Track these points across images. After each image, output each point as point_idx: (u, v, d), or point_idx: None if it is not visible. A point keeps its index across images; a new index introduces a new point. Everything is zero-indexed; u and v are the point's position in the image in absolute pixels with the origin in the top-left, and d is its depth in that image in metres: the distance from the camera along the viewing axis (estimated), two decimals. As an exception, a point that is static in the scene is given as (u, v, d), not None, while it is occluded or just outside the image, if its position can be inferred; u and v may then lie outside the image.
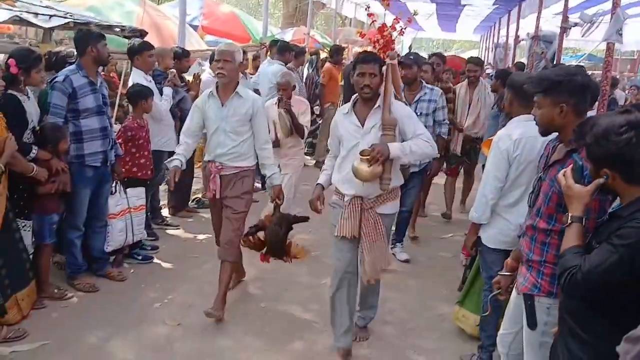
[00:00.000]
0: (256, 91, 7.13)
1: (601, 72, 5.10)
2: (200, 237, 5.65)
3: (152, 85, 5.24)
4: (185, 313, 4.14)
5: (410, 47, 12.92)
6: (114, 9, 8.97)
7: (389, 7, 4.96)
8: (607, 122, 1.95)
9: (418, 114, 4.82)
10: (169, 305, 4.27)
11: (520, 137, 3.07)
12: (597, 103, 4.27)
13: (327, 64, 9.55)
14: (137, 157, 4.94)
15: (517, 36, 13.34)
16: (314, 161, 9.15)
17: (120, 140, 4.77)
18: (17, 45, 5.42)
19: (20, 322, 3.74)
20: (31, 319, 3.84)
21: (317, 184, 3.67)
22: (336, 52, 9.62)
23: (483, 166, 3.61)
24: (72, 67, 4.27)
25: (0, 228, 3.56)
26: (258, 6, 29.98)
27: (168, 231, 5.83)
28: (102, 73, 5.10)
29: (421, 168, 5.18)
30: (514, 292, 2.72)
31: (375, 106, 3.39)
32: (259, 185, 6.52)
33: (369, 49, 3.86)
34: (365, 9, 4.74)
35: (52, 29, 6.01)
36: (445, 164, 6.56)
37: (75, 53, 4.46)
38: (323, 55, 11.81)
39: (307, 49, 10.72)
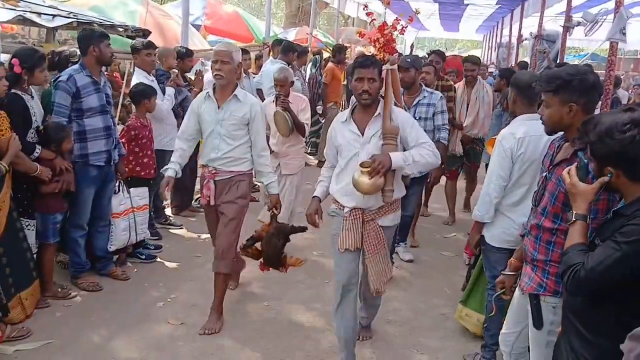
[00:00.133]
0: (259, 91, 7.18)
1: (604, 71, 5.10)
2: (204, 236, 5.65)
3: (154, 85, 5.25)
4: (188, 312, 4.15)
5: (412, 47, 12.87)
6: (117, 8, 8.97)
7: (389, 6, 4.93)
8: (610, 120, 1.94)
9: (417, 118, 4.74)
10: (172, 304, 4.28)
11: (523, 135, 3.07)
12: (600, 102, 4.27)
13: (330, 64, 9.55)
14: (141, 156, 4.95)
15: (520, 35, 13.35)
16: (317, 161, 9.15)
17: (123, 140, 4.78)
18: (21, 45, 5.44)
19: (24, 321, 3.75)
20: (35, 318, 3.85)
21: (313, 197, 3.52)
22: (338, 51, 9.61)
23: (486, 165, 3.62)
24: (76, 66, 4.28)
25: (4, 227, 3.57)
26: (261, 6, 29.99)
27: (171, 230, 5.84)
28: (106, 73, 5.11)
29: (422, 174, 4.85)
30: (516, 292, 2.72)
31: (376, 114, 3.26)
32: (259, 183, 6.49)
33: (370, 48, 3.83)
34: (363, 8, 4.69)
35: (55, 28, 6.04)
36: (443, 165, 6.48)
37: (79, 53, 4.48)
38: (326, 54, 11.82)
39: (309, 49, 10.73)
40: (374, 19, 4.08)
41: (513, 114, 3.34)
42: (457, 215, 6.72)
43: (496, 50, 17.86)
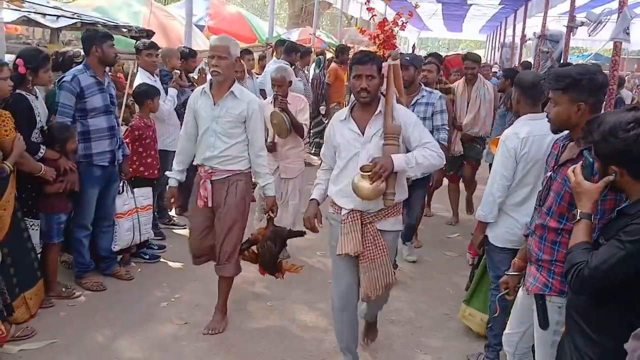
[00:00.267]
0: (262, 92, 7.18)
1: (608, 71, 5.09)
2: (207, 236, 5.66)
3: (157, 85, 5.26)
4: (192, 312, 4.15)
5: (414, 47, 12.87)
6: (121, 9, 9.01)
7: (390, 3, 4.92)
8: (614, 119, 1.94)
9: None
10: (176, 304, 4.29)
11: (527, 135, 3.06)
12: (603, 102, 4.26)
13: (333, 64, 9.57)
14: (144, 156, 4.96)
15: (523, 35, 13.34)
16: (320, 161, 9.13)
17: (127, 140, 4.79)
18: (25, 46, 5.46)
19: (28, 321, 3.76)
20: (39, 317, 3.86)
21: (311, 200, 3.36)
22: (341, 51, 9.62)
23: (490, 165, 3.61)
24: (80, 66, 4.30)
25: (9, 227, 3.59)
26: (264, 6, 30.04)
27: (175, 231, 5.85)
28: (110, 73, 5.13)
29: (424, 176, 4.74)
30: (520, 292, 2.71)
31: (377, 112, 3.10)
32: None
33: (372, 47, 3.81)
34: (365, 3, 4.64)
35: (59, 29, 6.05)
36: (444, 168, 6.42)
37: (83, 53, 4.50)
38: (329, 55, 11.83)
39: (313, 49, 10.74)
40: (375, 15, 4.05)
41: (517, 113, 3.33)
42: (460, 215, 6.71)
43: (499, 50, 17.85)
